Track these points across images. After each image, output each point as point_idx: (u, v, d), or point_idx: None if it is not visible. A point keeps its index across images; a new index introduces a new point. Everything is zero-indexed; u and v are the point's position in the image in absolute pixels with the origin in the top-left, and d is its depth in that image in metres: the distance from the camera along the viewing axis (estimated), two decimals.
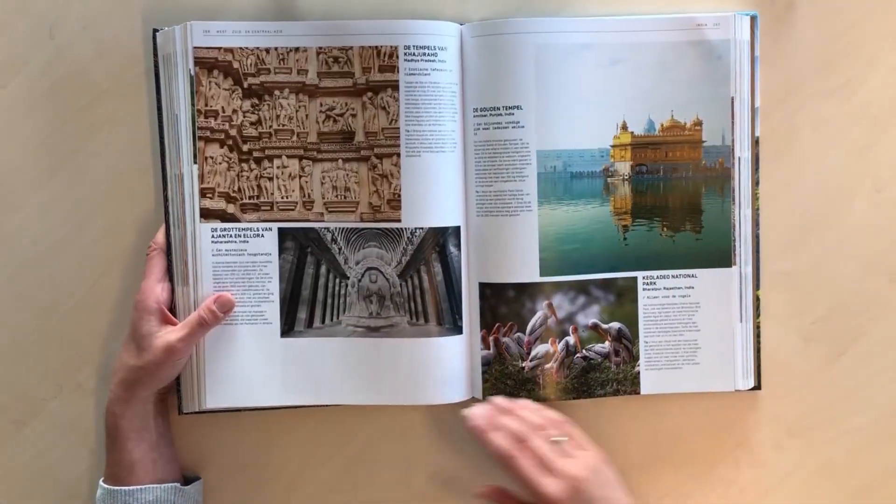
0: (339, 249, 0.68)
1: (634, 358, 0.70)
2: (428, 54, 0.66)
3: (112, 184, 0.69)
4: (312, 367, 0.68)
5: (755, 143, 0.69)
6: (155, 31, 0.67)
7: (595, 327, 0.69)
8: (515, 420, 0.64)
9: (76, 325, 0.70)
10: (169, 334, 0.64)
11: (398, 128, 0.66)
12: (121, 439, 0.65)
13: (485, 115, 0.67)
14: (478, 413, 0.64)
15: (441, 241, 0.68)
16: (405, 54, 0.66)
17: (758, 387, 0.70)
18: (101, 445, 0.69)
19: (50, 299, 0.70)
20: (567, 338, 0.69)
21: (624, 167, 0.69)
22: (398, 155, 0.67)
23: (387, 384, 0.68)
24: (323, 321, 0.68)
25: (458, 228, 0.68)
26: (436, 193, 0.67)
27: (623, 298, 0.69)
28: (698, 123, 0.69)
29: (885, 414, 0.72)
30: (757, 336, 0.70)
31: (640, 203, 0.69)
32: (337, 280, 0.68)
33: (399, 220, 0.67)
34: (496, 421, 0.64)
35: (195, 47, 0.66)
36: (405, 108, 0.66)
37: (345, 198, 0.68)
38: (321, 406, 0.69)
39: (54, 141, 0.69)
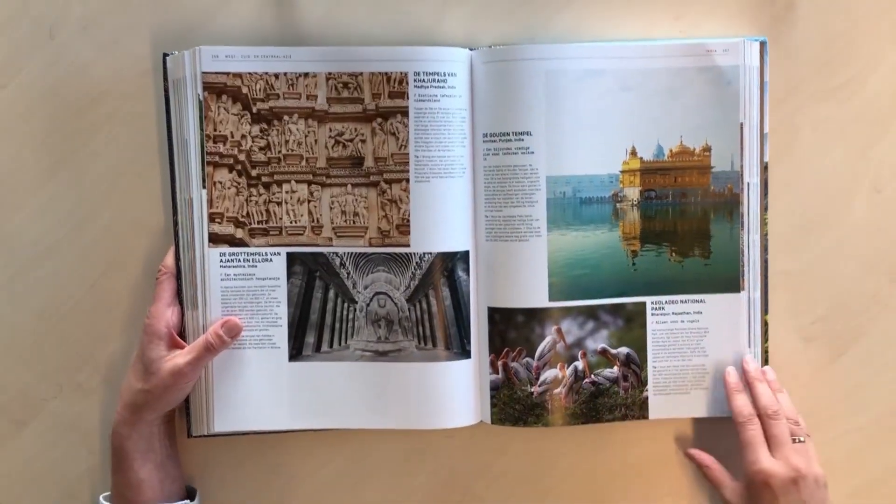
0: (348, 274, 0.68)
1: (643, 383, 0.69)
2: (438, 80, 0.66)
3: (112, 183, 0.69)
4: (320, 391, 0.68)
5: (764, 168, 0.69)
6: (165, 55, 0.67)
7: (604, 352, 0.69)
8: (772, 399, 0.67)
9: (76, 325, 0.70)
10: (176, 358, 0.64)
11: (408, 153, 0.66)
12: (127, 460, 0.65)
13: (494, 141, 0.67)
14: (734, 373, 0.69)
15: (450, 265, 0.67)
16: (415, 80, 0.66)
17: None
18: (101, 445, 0.70)
19: (50, 299, 0.70)
20: (576, 363, 0.69)
21: (633, 192, 0.69)
22: (407, 180, 0.67)
23: (395, 408, 0.68)
24: (331, 345, 0.68)
25: (466, 253, 0.68)
26: (445, 218, 0.67)
27: (632, 323, 0.69)
28: (707, 149, 0.69)
29: (885, 414, 0.72)
30: (765, 362, 0.70)
31: (648, 228, 0.69)
32: (345, 304, 0.68)
33: (408, 245, 0.67)
34: (754, 386, 0.68)
35: (204, 72, 0.65)
36: (415, 134, 0.66)
37: (353, 223, 0.68)
38: (329, 430, 0.69)
39: (54, 141, 0.69)
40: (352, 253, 0.68)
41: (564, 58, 0.67)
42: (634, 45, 0.68)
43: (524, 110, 0.67)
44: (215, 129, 0.66)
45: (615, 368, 0.69)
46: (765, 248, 0.70)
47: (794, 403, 0.68)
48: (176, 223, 0.67)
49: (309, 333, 0.68)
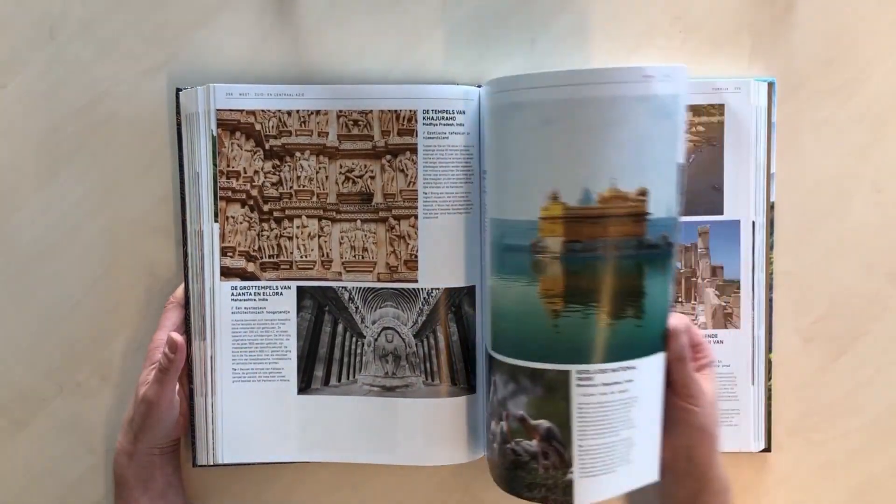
0: (356, 309, 0.69)
1: (566, 464, 0.60)
2: (446, 118, 0.67)
3: (112, 184, 0.70)
4: (328, 424, 0.68)
5: (770, 207, 0.69)
6: (178, 90, 0.68)
7: (522, 420, 0.61)
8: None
9: (76, 325, 0.71)
10: (143, 384, 0.65)
11: (416, 190, 0.67)
12: (127, 488, 0.66)
13: None
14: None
15: (457, 301, 0.68)
16: (424, 118, 0.67)
17: (768, 449, 0.71)
18: (101, 446, 0.71)
19: (50, 299, 0.70)
20: (502, 423, 0.62)
21: (555, 243, 0.59)
22: (415, 216, 0.67)
23: (401, 445, 0.68)
24: (339, 379, 0.69)
25: (472, 288, 0.68)
26: (452, 254, 0.68)
27: (553, 394, 0.59)
28: (643, 192, 0.58)
29: (885, 414, 0.72)
30: (768, 398, 0.70)
31: (573, 285, 0.59)
32: (353, 339, 0.69)
33: (416, 281, 0.68)
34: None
35: (218, 109, 0.67)
36: (423, 171, 0.67)
37: (363, 258, 0.68)
38: (334, 463, 0.70)
39: (54, 141, 0.70)
40: (360, 288, 0.69)
41: (502, 91, 0.60)
42: (559, 73, 0.57)
43: (485, 149, 0.65)
44: (228, 165, 0.67)
45: (534, 442, 0.60)
46: (770, 287, 0.70)
47: (794, 403, 0.70)
48: (186, 254, 0.68)
49: (318, 367, 0.69)
